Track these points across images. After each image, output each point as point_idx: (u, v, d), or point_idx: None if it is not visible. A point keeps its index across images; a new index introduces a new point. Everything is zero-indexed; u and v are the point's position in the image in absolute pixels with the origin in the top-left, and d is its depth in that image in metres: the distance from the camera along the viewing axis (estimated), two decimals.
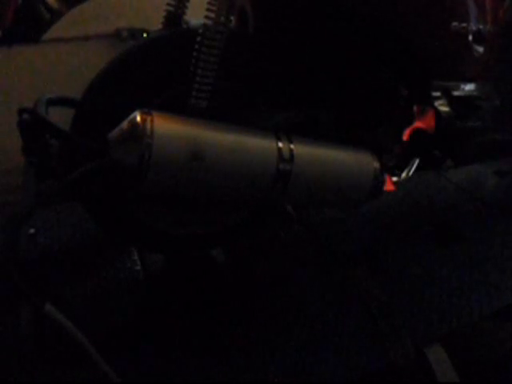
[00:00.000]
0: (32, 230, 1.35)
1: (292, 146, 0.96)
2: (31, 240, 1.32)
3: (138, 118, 0.83)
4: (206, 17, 0.92)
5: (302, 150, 0.98)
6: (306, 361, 1.05)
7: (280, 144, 0.95)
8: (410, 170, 1.19)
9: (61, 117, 0.97)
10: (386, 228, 1.51)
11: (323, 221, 1.50)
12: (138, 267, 1.26)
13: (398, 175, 1.18)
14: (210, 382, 1.00)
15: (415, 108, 1.17)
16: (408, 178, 1.21)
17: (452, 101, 1.16)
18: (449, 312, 1.21)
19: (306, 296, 1.22)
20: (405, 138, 1.18)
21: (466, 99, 1.19)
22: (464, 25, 1.10)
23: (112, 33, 1.76)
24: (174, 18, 1.05)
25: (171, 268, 1.29)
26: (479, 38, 1.14)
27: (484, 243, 1.46)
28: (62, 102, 1.04)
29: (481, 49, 1.15)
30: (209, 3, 0.92)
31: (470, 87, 1.20)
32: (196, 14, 0.95)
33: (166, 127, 0.85)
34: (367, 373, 1.05)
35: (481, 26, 1.13)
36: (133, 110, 0.86)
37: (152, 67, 0.98)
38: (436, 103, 1.16)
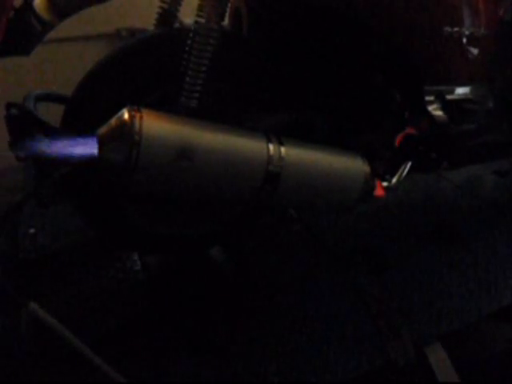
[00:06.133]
0: (32, 230, 1.35)
1: (282, 148, 0.95)
2: (31, 240, 1.32)
3: (126, 115, 0.82)
4: (198, 15, 0.92)
5: (292, 153, 0.97)
6: (306, 361, 1.05)
7: (270, 146, 0.94)
8: (400, 176, 1.18)
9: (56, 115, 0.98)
10: (386, 228, 1.51)
11: (323, 221, 1.50)
12: (138, 267, 1.26)
13: (389, 180, 1.18)
14: (211, 382, 1.00)
15: (407, 114, 1.17)
16: (408, 179, 1.21)
17: (446, 105, 1.16)
18: (449, 312, 1.21)
19: (306, 296, 1.22)
20: (396, 143, 1.17)
21: (460, 103, 1.19)
22: (456, 29, 1.10)
23: (112, 33, 1.76)
24: (167, 17, 1.05)
25: (171, 268, 1.30)
26: (472, 41, 1.13)
27: (483, 243, 1.46)
28: (51, 98, 1.04)
29: (474, 51, 1.15)
30: (200, 2, 0.92)
31: (463, 90, 1.19)
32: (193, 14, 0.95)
33: (155, 125, 0.84)
34: (367, 373, 1.05)
35: (474, 29, 1.13)
36: (122, 108, 0.85)
37: (142, 66, 0.98)
38: (430, 107, 1.15)
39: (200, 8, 0.92)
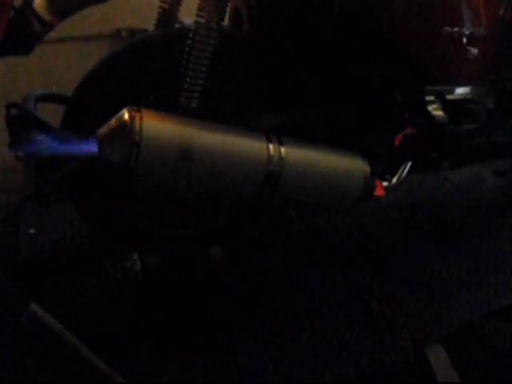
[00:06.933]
0: (32, 230, 1.35)
1: (282, 149, 0.95)
2: (31, 240, 1.32)
3: (126, 115, 0.82)
4: (198, 15, 0.92)
5: (292, 153, 0.97)
6: (306, 361, 1.05)
7: (270, 146, 0.94)
8: (401, 175, 1.18)
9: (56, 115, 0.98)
10: (386, 228, 1.51)
11: (323, 221, 1.50)
12: (138, 267, 1.26)
13: (389, 180, 1.18)
14: (210, 381, 1.00)
15: (407, 114, 1.17)
16: (408, 179, 1.21)
17: (446, 105, 1.16)
18: (449, 312, 1.21)
19: (306, 296, 1.22)
20: (396, 143, 1.17)
21: (460, 103, 1.19)
22: (456, 29, 1.10)
23: (112, 33, 1.76)
24: (167, 17, 1.05)
25: (171, 268, 1.29)
26: (472, 41, 1.13)
27: (483, 243, 1.46)
28: (51, 98, 1.04)
29: (474, 51, 1.15)
30: (200, 2, 0.92)
31: (463, 90, 1.19)
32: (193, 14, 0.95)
33: (155, 125, 0.84)
34: (367, 373, 1.05)
35: (474, 29, 1.12)
36: (122, 108, 0.85)
37: (142, 66, 0.98)
38: (430, 107, 1.15)
39: (200, 8, 0.92)
